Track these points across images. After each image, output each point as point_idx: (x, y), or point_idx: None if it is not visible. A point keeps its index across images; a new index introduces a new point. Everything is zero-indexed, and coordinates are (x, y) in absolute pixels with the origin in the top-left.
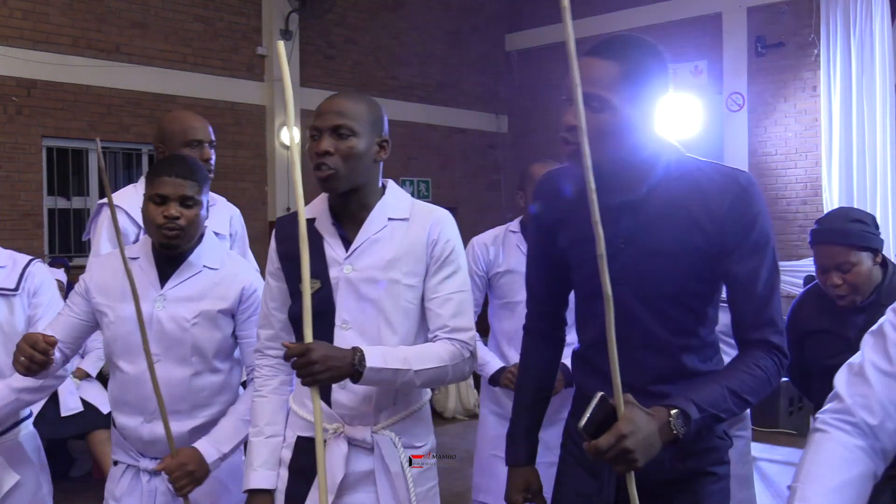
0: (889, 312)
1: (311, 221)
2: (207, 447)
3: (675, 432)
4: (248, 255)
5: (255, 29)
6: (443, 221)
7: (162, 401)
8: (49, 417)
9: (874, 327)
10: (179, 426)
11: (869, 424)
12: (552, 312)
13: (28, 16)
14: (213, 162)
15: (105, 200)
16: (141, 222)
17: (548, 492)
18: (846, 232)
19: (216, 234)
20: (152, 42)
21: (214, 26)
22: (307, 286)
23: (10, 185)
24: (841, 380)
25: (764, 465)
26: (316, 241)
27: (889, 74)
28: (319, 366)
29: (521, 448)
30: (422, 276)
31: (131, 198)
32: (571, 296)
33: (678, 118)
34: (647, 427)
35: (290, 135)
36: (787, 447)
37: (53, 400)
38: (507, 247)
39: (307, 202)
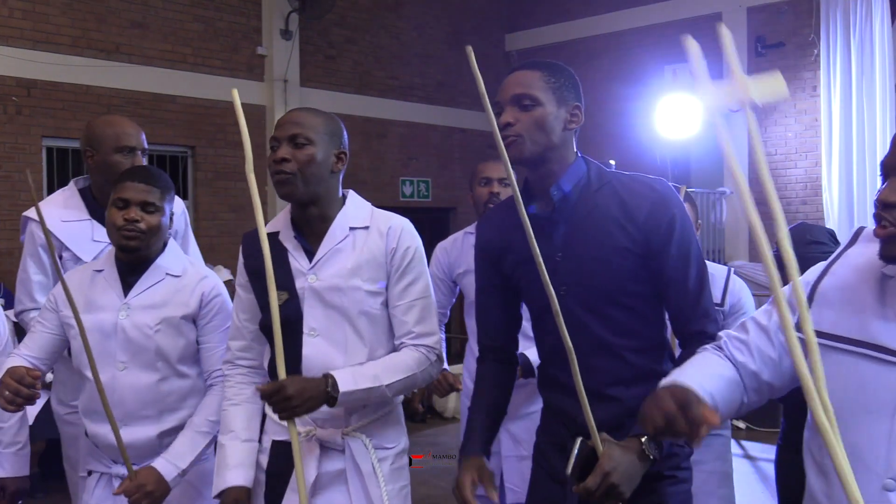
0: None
1: (275, 235)
2: (165, 465)
3: (651, 457)
4: (193, 248)
5: (255, 29)
6: (400, 230)
7: (110, 410)
8: (49, 417)
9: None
10: (148, 430)
11: (737, 359)
12: (503, 340)
13: (28, 16)
14: None
15: (29, 214)
16: (62, 238)
17: (521, 485)
18: (804, 258)
19: None
20: (152, 42)
21: (214, 26)
22: (274, 300)
23: (10, 185)
24: (726, 331)
25: (764, 465)
26: (281, 253)
27: (889, 74)
28: (296, 400)
29: (475, 445)
30: (384, 282)
31: (54, 211)
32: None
33: (678, 118)
34: (626, 459)
35: (249, 180)
36: None
37: None
38: (465, 248)
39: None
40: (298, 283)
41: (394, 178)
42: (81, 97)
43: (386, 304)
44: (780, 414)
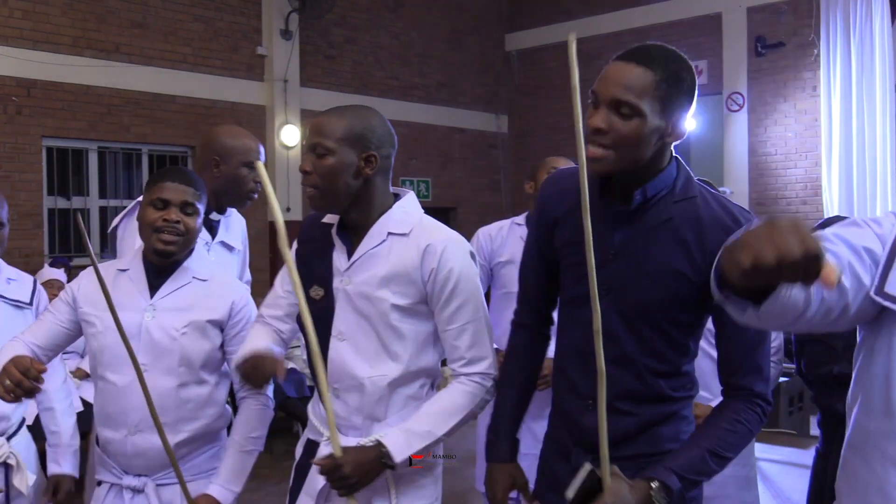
0: None
1: (330, 227)
2: (222, 491)
3: None
4: (247, 272)
5: (255, 29)
6: (443, 248)
7: (156, 413)
8: None
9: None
10: (160, 441)
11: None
12: (541, 309)
13: (28, 16)
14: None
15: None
16: None
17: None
18: None
19: (231, 247)
20: (152, 42)
21: (214, 26)
22: (304, 306)
23: (10, 185)
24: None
25: (764, 465)
26: (328, 248)
27: (889, 74)
28: (353, 478)
29: (505, 444)
30: (417, 299)
31: None
32: None
33: None
34: (630, 499)
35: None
36: (787, 447)
37: None
38: (510, 237)
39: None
40: (335, 283)
41: (394, 178)
42: (81, 97)
43: (417, 319)
44: (779, 413)
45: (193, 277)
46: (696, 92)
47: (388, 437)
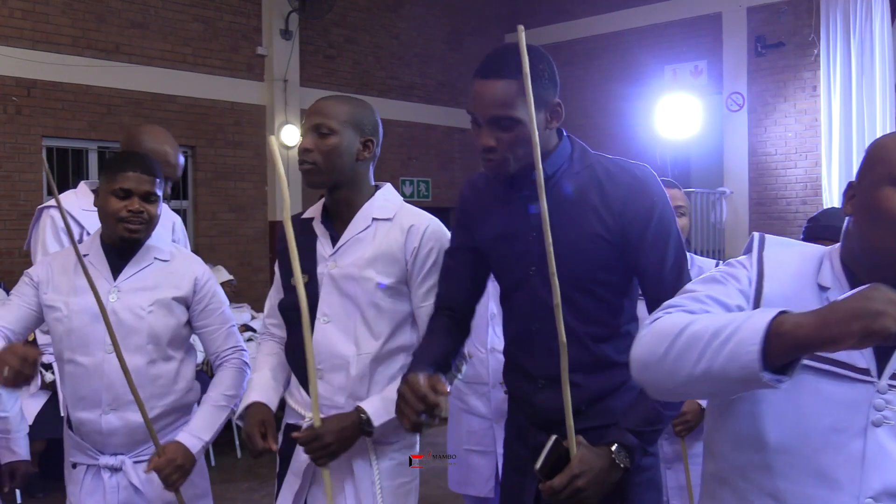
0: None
1: (309, 221)
2: (190, 438)
3: (621, 466)
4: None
5: (255, 29)
6: (424, 228)
7: (135, 389)
8: (49, 417)
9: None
10: (136, 416)
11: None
12: (463, 305)
13: (28, 16)
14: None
15: (46, 204)
16: (82, 223)
17: None
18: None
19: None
20: (152, 42)
21: (214, 26)
22: (303, 297)
23: (10, 185)
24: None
25: None
26: (310, 239)
27: (889, 74)
28: (334, 445)
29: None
30: (399, 278)
31: (73, 201)
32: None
33: (678, 118)
34: (598, 465)
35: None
36: None
37: (53, 400)
38: None
39: (311, 201)
40: (320, 269)
41: (394, 178)
42: (81, 97)
43: (398, 298)
44: None
45: (155, 258)
46: (555, 72)
47: (367, 403)
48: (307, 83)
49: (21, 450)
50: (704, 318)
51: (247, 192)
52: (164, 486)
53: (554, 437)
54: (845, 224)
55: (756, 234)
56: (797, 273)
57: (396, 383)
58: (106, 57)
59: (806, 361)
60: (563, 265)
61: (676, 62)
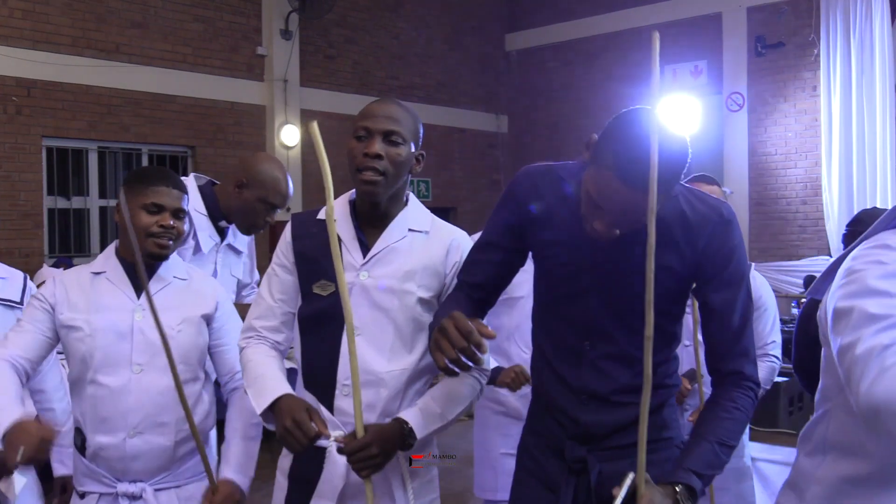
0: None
1: (325, 222)
2: (240, 476)
3: None
4: (255, 273)
5: (255, 29)
6: (464, 244)
7: (189, 411)
8: None
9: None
10: (164, 439)
11: None
12: (486, 293)
13: (28, 16)
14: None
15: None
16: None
17: None
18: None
19: (238, 251)
20: (152, 42)
21: (214, 26)
22: (345, 292)
23: (10, 185)
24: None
25: (763, 465)
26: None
27: (889, 74)
28: (381, 457)
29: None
30: (436, 292)
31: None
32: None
33: (678, 118)
34: None
35: (328, 210)
36: (787, 447)
37: None
38: None
39: (311, 202)
40: (348, 277)
41: None
42: (81, 97)
43: (432, 313)
44: (779, 413)
45: (174, 277)
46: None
47: (407, 414)
48: (307, 83)
49: (70, 463)
50: None
51: None
52: None
53: (631, 476)
54: None
55: None
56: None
57: (425, 395)
58: (106, 57)
59: None
60: (628, 290)
61: (676, 62)
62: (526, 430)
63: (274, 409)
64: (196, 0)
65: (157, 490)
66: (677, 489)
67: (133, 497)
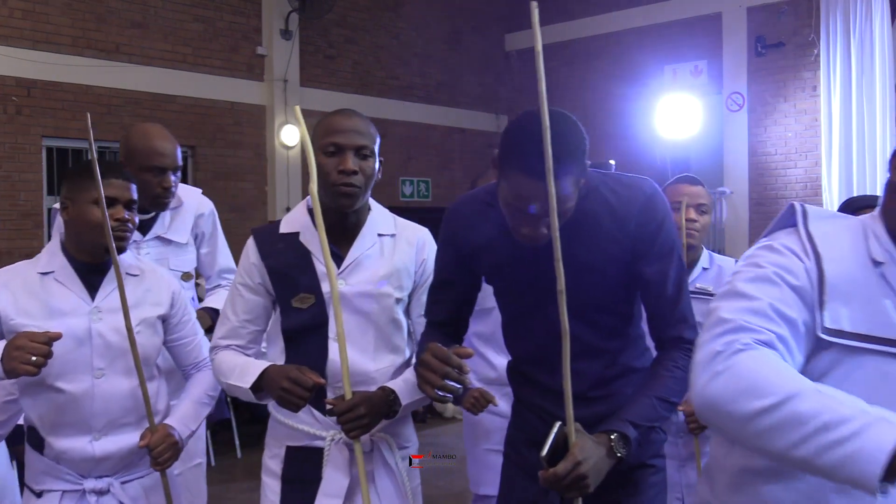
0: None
1: (295, 235)
2: (179, 425)
3: (618, 454)
4: (220, 259)
5: (255, 29)
6: (430, 242)
7: (151, 414)
8: None
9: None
10: (129, 439)
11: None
12: (452, 323)
13: (28, 16)
14: (173, 190)
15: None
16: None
17: None
18: None
19: (169, 241)
20: (152, 42)
21: (214, 26)
22: (334, 282)
23: (10, 185)
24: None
25: None
26: (304, 256)
27: (889, 74)
28: (368, 417)
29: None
30: (409, 291)
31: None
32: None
33: (678, 118)
34: (597, 453)
35: (312, 192)
36: None
37: None
38: None
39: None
40: (325, 287)
41: (394, 178)
42: (81, 97)
43: (406, 312)
44: None
45: (126, 273)
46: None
47: (393, 384)
48: (307, 83)
49: None
50: (811, 398)
51: (247, 192)
52: (153, 464)
53: (558, 424)
54: (885, 190)
55: (797, 206)
56: (851, 249)
57: (413, 374)
58: (106, 57)
59: (870, 346)
60: (580, 288)
61: (676, 62)
62: (510, 426)
63: (263, 383)
64: (196, 0)
65: (123, 482)
66: (612, 437)
67: (101, 492)
